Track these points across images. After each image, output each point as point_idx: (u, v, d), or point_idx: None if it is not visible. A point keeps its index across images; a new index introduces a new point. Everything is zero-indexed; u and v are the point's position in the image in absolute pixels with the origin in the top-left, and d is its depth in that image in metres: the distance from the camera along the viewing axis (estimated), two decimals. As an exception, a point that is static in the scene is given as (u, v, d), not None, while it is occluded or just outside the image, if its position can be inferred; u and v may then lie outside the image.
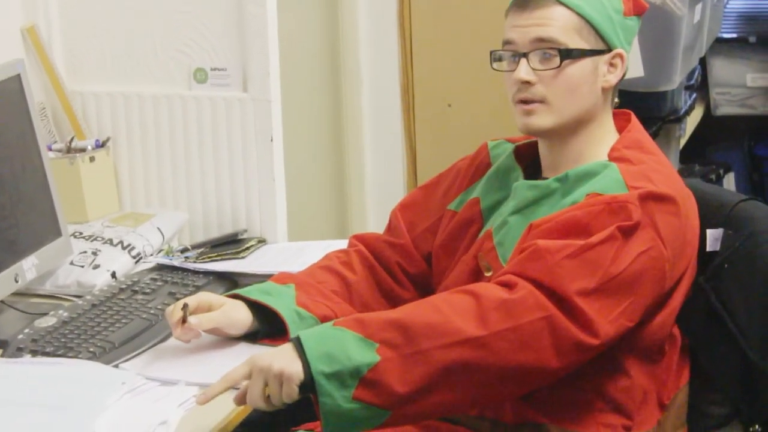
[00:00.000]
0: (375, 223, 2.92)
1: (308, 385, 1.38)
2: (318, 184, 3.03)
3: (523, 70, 1.59)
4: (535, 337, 1.41)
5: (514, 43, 1.62)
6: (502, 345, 1.37)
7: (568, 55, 1.57)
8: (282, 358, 1.42)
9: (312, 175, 2.94)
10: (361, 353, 1.37)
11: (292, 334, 1.59)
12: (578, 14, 1.52)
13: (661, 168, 1.56)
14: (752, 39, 3.48)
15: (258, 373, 1.40)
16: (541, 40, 1.59)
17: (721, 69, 3.49)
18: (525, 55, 1.60)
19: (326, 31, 2.99)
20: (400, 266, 1.77)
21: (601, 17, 1.55)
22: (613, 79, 1.60)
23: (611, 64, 1.55)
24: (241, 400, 1.46)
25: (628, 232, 1.43)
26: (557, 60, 1.56)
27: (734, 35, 3.55)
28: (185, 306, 1.66)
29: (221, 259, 2.01)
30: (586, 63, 1.59)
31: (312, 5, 2.85)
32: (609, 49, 1.53)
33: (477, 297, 1.40)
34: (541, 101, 1.60)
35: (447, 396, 1.41)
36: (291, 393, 1.39)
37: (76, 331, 1.76)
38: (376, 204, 3.10)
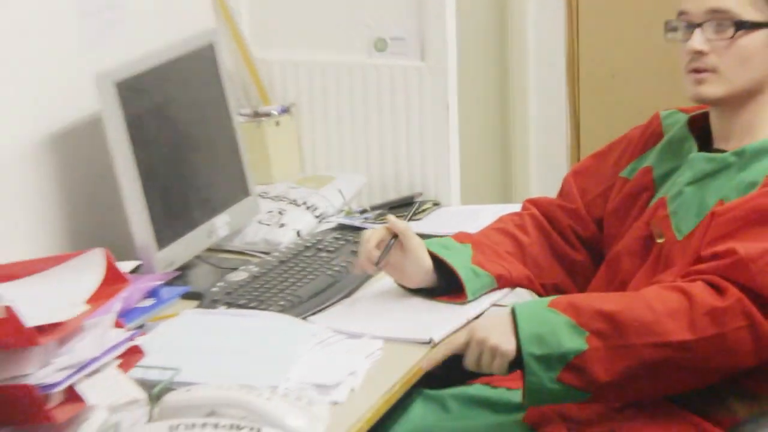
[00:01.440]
0: (538, 192, 2.86)
1: (518, 360, 1.47)
2: (484, 151, 3.04)
3: (697, 40, 1.60)
4: (739, 344, 1.47)
5: (688, 14, 1.64)
6: (707, 349, 1.45)
7: (742, 26, 1.60)
8: (498, 333, 1.51)
9: (478, 142, 2.95)
10: (571, 340, 1.46)
11: (468, 290, 1.72)
12: None
13: None
14: None
15: (476, 344, 1.50)
16: (715, 11, 1.60)
17: None
18: (699, 25, 1.61)
19: (494, 2, 3.00)
20: (572, 229, 1.82)
21: None
22: None
23: None
24: (429, 365, 1.56)
25: None
26: (731, 31, 1.57)
27: None
28: (394, 238, 1.73)
29: (399, 221, 1.99)
30: (759, 35, 1.59)
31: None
32: None
33: (690, 299, 1.45)
34: (713, 71, 1.60)
35: (645, 386, 1.52)
36: (501, 368, 1.52)
37: (266, 285, 1.85)
38: (540, 173, 3.16)
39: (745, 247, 1.47)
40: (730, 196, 1.63)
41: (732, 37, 1.56)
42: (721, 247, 1.51)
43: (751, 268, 1.46)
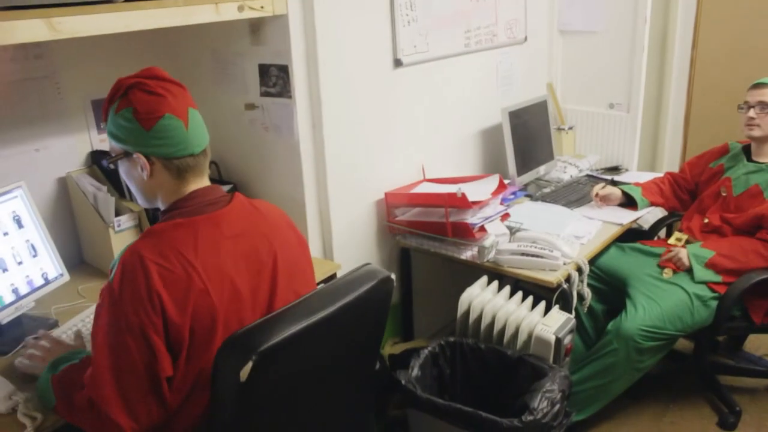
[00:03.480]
0: (670, 168, 3.85)
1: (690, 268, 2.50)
2: (642, 147, 3.66)
3: (751, 112, 2.42)
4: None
5: (749, 102, 2.40)
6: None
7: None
8: (686, 259, 2.49)
9: (642, 139, 3.62)
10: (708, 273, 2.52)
11: (639, 205, 2.83)
12: None
13: None
14: None
15: (676, 258, 2.46)
16: (760, 102, 2.39)
17: None
18: (753, 106, 2.40)
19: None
20: (683, 185, 2.91)
21: None
22: None
23: None
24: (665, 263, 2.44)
25: None
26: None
27: None
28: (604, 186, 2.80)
29: None
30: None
31: None
32: None
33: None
34: (758, 126, 2.45)
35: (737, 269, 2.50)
36: (681, 266, 2.46)
37: (555, 195, 3.01)
38: (672, 158, 3.99)
39: None
40: (761, 184, 2.53)
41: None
42: None
43: None
